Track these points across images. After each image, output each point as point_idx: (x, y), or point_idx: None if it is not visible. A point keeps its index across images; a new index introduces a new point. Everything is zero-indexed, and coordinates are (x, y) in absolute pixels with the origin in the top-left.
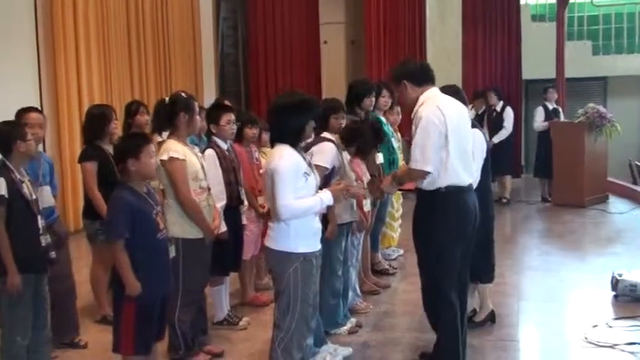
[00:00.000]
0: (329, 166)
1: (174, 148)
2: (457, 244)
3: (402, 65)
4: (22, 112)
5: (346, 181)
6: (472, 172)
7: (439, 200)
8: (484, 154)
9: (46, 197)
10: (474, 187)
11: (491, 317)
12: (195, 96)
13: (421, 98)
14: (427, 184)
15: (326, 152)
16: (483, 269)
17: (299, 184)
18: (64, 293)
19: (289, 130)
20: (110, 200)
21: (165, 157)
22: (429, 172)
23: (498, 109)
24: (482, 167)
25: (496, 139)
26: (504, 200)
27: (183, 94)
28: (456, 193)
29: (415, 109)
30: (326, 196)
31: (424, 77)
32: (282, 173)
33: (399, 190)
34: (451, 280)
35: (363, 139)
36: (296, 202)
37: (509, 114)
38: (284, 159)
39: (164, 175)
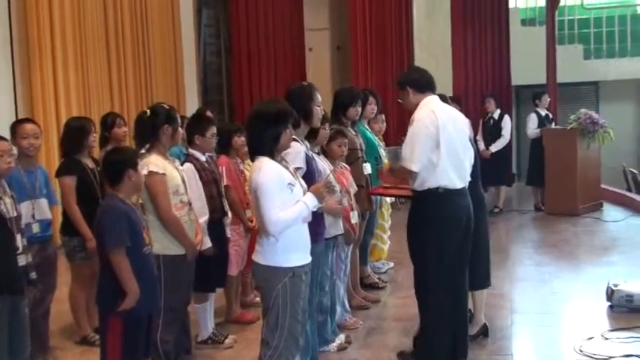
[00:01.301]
0: (302, 165)
1: (154, 162)
2: (447, 246)
3: (407, 73)
4: (17, 123)
5: (323, 180)
6: (466, 177)
7: (429, 201)
8: (472, 161)
9: (42, 210)
10: None
11: (484, 331)
12: (177, 106)
13: (421, 103)
14: (417, 185)
15: (292, 152)
16: (476, 275)
17: (285, 197)
18: (42, 316)
19: (265, 141)
20: (105, 210)
21: (144, 172)
22: (415, 172)
23: (496, 116)
24: (471, 173)
25: (494, 149)
26: (496, 210)
27: (165, 106)
28: (446, 194)
29: (414, 113)
30: (308, 199)
31: (426, 85)
32: (264, 187)
33: (389, 195)
34: (441, 284)
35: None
36: (282, 215)
37: (507, 122)
38: (264, 172)
39: (144, 190)
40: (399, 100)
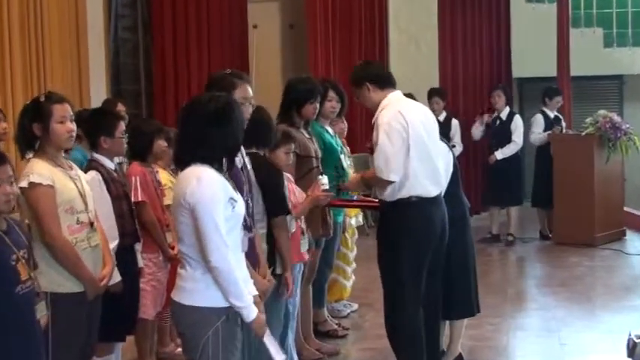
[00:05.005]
0: None
1: (37, 171)
2: (421, 260)
3: (364, 66)
4: None
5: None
6: (440, 182)
7: (401, 211)
8: (451, 168)
9: None
10: None
11: None
12: (79, 97)
13: (383, 102)
14: (387, 195)
15: None
16: (454, 302)
17: (225, 214)
18: None
19: (215, 147)
20: None
21: (24, 184)
22: (392, 182)
23: (504, 116)
24: (452, 181)
25: (500, 155)
26: (510, 238)
27: (41, 97)
28: (419, 204)
29: (376, 114)
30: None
31: (387, 80)
32: (206, 204)
33: (353, 206)
34: (415, 301)
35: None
36: (233, 261)
37: (518, 125)
38: (206, 183)
39: (25, 208)
40: (356, 99)
